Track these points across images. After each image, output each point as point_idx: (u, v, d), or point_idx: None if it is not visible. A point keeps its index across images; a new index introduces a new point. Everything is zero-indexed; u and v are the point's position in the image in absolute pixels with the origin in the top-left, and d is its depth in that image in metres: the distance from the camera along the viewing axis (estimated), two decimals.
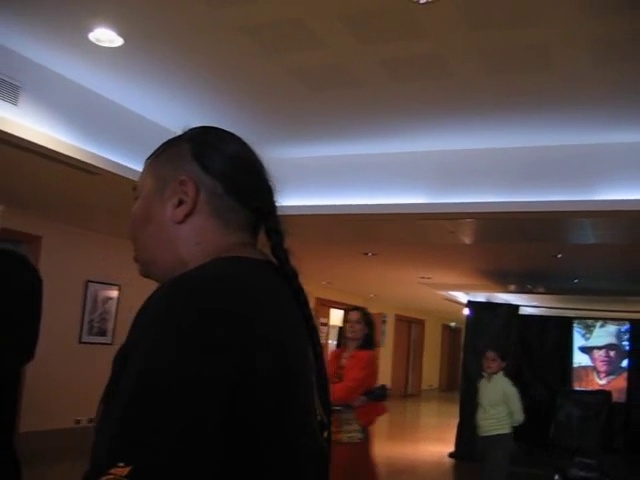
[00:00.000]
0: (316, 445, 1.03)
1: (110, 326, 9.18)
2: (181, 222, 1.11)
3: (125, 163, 5.40)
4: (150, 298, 0.96)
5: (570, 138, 5.66)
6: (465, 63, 4.38)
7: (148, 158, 1.22)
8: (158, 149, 1.21)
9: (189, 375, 0.84)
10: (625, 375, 11.11)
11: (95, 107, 5.28)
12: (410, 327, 21.98)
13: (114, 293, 9.24)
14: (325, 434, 1.08)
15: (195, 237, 1.11)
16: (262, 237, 1.17)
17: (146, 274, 1.18)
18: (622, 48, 4.06)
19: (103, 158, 5.25)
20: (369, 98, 5.14)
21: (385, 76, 4.67)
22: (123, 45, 4.38)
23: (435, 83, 4.75)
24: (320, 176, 6.53)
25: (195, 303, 0.90)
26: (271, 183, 1.19)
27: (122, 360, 0.92)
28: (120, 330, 9.25)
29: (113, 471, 0.79)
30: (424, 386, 22.69)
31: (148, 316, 0.92)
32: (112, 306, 9.21)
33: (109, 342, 9.11)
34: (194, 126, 1.23)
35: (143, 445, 0.81)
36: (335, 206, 6.41)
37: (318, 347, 1.11)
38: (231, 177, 1.13)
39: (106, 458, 0.81)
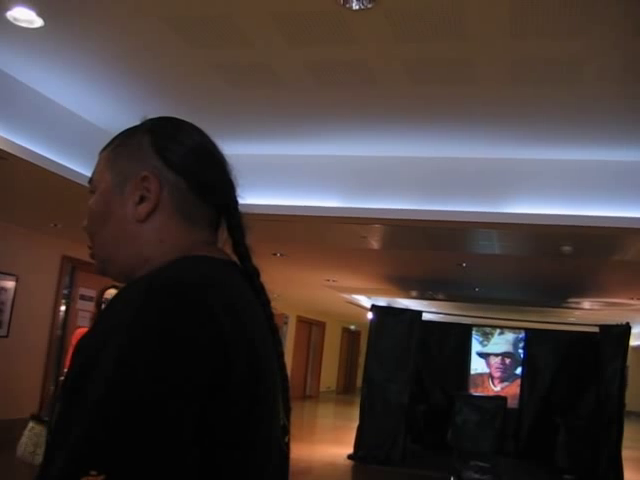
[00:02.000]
0: (280, 449, 1.02)
1: (5, 318, 8.79)
2: (143, 220, 1.07)
3: (36, 150, 5.19)
4: (120, 297, 0.92)
5: (482, 151, 5.83)
6: (390, 72, 4.45)
7: (103, 149, 1.16)
8: (115, 140, 1.15)
9: (164, 379, 0.82)
10: (518, 382, 11.56)
11: (7, 90, 5.04)
12: (311, 329, 22.11)
13: (11, 284, 8.85)
14: (286, 439, 1.07)
15: (158, 235, 1.07)
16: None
17: (103, 272, 1.13)
18: (540, 69, 4.23)
19: (12, 143, 5.02)
20: (291, 99, 5.14)
21: (310, 79, 4.68)
22: (43, 27, 4.19)
23: (358, 89, 4.80)
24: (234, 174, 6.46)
25: (171, 307, 0.87)
26: (232, 177, 1.16)
27: (86, 356, 0.88)
28: (17, 322, 8.88)
29: (84, 479, 0.75)
30: (322, 388, 22.87)
31: (120, 316, 0.88)
32: (8, 297, 8.83)
33: (4, 334, 8.74)
34: (152, 116, 1.18)
35: (118, 451, 0.77)
36: (247, 205, 6.31)
37: (280, 347, 1.10)
38: (194, 172, 1.10)
39: (75, 464, 0.77)
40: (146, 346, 0.83)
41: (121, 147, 1.13)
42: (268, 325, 1.07)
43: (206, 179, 1.11)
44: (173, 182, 1.08)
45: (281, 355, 1.10)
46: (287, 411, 1.09)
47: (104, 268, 1.13)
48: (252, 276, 1.09)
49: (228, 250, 1.11)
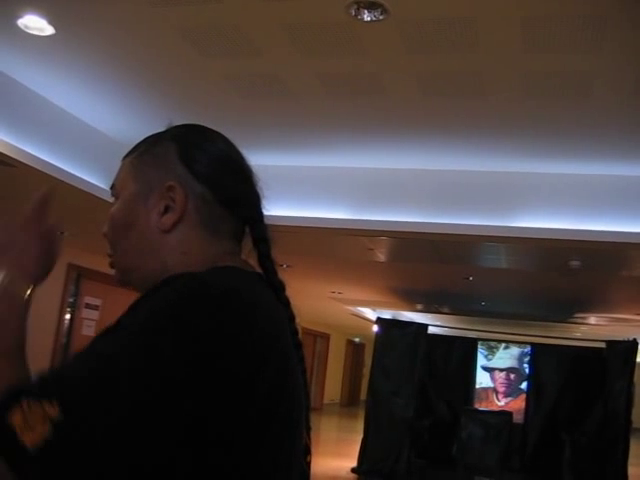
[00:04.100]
0: (301, 469, 0.99)
1: None
2: (167, 231, 1.04)
3: (45, 157, 5.19)
4: (154, 292, 0.89)
5: (491, 165, 5.81)
6: (401, 84, 4.44)
7: (127, 155, 1.12)
8: (139, 147, 1.12)
9: (188, 363, 0.81)
10: (524, 397, 11.48)
11: (16, 97, 5.04)
12: (315, 341, 22.06)
13: None
14: (307, 458, 1.04)
15: (182, 246, 1.04)
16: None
17: (123, 282, 1.10)
18: (551, 83, 4.21)
19: (21, 150, 5.02)
20: (301, 110, 5.13)
21: (320, 90, 4.67)
22: (54, 35, 4.19)
23: (369, 101, 4.79)
24: None
25: (210, 309, 0.86)
26: (259, 188, 1.13)
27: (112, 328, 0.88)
28: None
29: (41, 402, 0.75)
30: (326, 400, 22.78)
31: (158, 307, 0.86)
32: None
33: None
34: (178, 123, 1.15)
35: (94, 402, 0.76)
36: None
37: (303, 364, 1.07)
38: (221, 183, 1.07)
39: (41, 388, 0.78)
40: (180, 345, 0.82)
41: (146, 155, 1.09)
42: (293, 340, 1.04)
43: (232, 191, 1.08)
44: (199, 193, 1.05)
45: (304, 372, 1.07)
46: (308, 430, 1.05)
47: (126, 278, 1.10)
48: (277, 290, 1.07)
49: (252, 263, 1.09)
